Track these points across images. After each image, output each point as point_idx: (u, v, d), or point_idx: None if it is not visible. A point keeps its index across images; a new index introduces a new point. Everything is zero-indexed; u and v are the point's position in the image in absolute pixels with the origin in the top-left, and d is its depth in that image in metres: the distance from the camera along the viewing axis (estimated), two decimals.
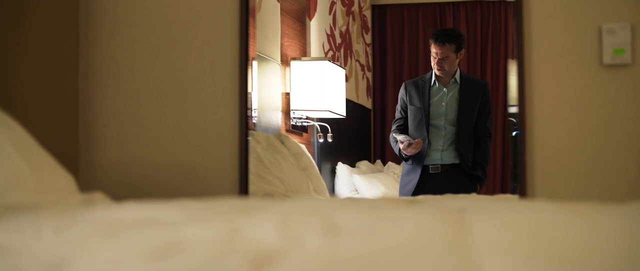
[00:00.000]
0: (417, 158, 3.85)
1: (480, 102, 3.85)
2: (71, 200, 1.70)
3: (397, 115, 3.94)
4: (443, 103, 3.84)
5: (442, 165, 3.84)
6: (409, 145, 3.82)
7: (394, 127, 3.95)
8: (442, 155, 3.84)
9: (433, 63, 3.85)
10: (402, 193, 3.94)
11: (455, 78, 3.84)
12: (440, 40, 3.85)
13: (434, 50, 3.85)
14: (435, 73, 3.84)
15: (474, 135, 3.85)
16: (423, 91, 3.87)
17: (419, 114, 3.84)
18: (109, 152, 2.69)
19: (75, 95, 2.69)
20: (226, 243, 1.06)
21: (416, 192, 3.81)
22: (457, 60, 3.86)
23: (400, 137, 3.85)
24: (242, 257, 1.01)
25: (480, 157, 3.86)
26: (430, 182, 3.83)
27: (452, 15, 4.65)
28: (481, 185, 3.88)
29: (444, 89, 3.84)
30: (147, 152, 2.67)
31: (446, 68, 3.82)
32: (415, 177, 3.85)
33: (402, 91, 3.94)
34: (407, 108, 3.89)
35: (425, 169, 3.84)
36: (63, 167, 1.83)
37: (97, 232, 1.16)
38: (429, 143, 3.84)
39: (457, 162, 3.83)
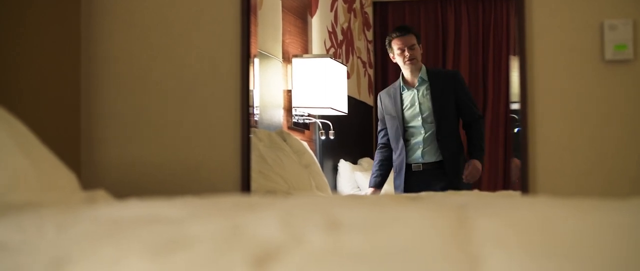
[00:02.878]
0: (400, 160, 3.88)
1: (454, 91, 3.85)
2: (74, 198, 1.70)
3: (379, 126, 4.00)
4: (415, 104, 3.86)
5: (423, 164, 3.86)
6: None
7: (378, 142, 3.99)
8: (423, 153, 3.86)
9: (401, 58, 3.85)
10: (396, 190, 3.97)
11: (421, 77, 3.85)
12: (403, 31, 3.87)
13: (399, 43, 3.86)
14: (402, 76, 3.86)
15: (464, 123, 3.86)
16: (395, 98, 3.89)
17: (394, 122, 3.88)
18: (111, 150, 2.69)
19: (77, 94, 2.69)
20: (228, 239, 1.06)
21: (405, 189, 3.84)
22: (421, 52, 3.89)
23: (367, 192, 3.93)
24: (244, 253, 1.01)
25: (476, 139, 3.86)
26: (414, 180, 3.85)
27: (454, 11, 4.65)
28: (481, 160, 3.87)
29: (414, 90, 3.85)
30: (149, 150, 2.67)
31: (417, 56, 3.83)
32: (401, 176, 3.89)
33: (378, 103, 4.00)
34: (384, 118, 3.94)
35: (408, 168, 3.88)
36: (65, 165, 1.83)
37: (100, 230, 1.16)
38: (409, 144, 3.86)
39: (440, 159, 3.85)
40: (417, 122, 3.85)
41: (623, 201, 1.32)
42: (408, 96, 3.87)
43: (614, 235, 1.07)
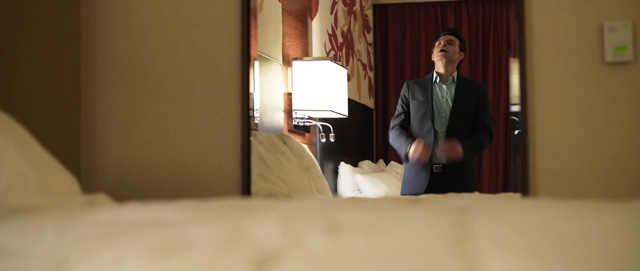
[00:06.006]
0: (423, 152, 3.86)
1: (476, 101, 3.87)
2: (74, 201, 1.70)
3: (399, 109, 3.95)
4: (444, 99, 3.86)
5: (443, 165, 3.85)
6: (418, 152, 3.83)
7: (394, 124, 3.95)
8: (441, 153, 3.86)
9: (436, 51, 3.87)
10: (406, 191, 3.93)
11: (453, 77, 3.87)
12: (448, 32, 3.94)
13: (440, 39, 3.90)
14: (435, 72, 3.87)
15: (472, 130, 3.87)
16: (426, 87, 3.89)
17: (422, 107, 3.86)
18: (111, 153, 2.69)
19: (77, 97, 2.69)
20: (228, 243, 1.06)
21: (427, 191, 3.81)
22: (458, 57, 3.90)
23: (413, 146, 3.84)
24: (244, 257, 1.01)
25: (476, 139, 3.86)
26: (433, 180, 3.83)
27: (454, 14, 4.65)
28: (467, 153, 3.84)
29: (444, 86, 3.86)
30: (149, 153, 2.67)
31: (449, 50, 3.85)
32: (424, 176, 3.85)
33: (404, 88, 3.96)
34: (409, 104, 3.90)
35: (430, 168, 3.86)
36: (65, 168, 1.83)
37: (100, 233, 1.16)
38: (436, 139, 3.86)
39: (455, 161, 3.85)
40: (443, 117, 3.86)
41: (623, 203, 1.32)
42: (439, 90, 3.88)
43: (615, 237, 1.07)
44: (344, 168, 4.30)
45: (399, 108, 3.97)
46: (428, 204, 1.54)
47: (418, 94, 3.89)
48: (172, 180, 2.65)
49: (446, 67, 3.87)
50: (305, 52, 4.19)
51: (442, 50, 3.87)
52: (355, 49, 4.73)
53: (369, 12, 4.86)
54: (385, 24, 4.81)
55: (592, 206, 1.28)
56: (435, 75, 3.89)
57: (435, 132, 3.86)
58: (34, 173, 1.62)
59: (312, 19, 4.26)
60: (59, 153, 1.89)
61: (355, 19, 4.76)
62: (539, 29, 2.53)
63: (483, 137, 3.90)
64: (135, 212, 1.32)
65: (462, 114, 3.85)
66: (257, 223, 1.13)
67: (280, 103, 3.82)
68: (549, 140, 2.50)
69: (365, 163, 4.49)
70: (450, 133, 3.83)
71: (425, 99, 3.88)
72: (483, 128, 3.88)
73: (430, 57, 3.97)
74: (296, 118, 3.96)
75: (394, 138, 3.93)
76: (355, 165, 4.41)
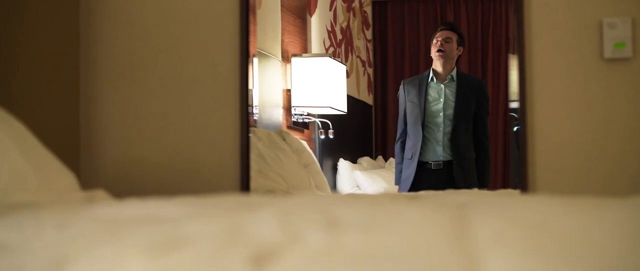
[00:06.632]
0: (414, 150, 3.87)
1: (477, 99, 3.86)
2: (73, 198, 1.70)
3: (400, 112, 3.95)
4: (441, 99, 3.86)
5: (444, 162, 3.85)
6: None
7: (398, 133, 3.97)
8: (441, 150, 3.85)
9: (434, 49, 3.87)
10: (401, 189, 3.94)
11: (451, 75, 3.86)
12: (445, 27, 3.93)
13: (437, 35, 3.89)
14: (432, 70, 3.86)
15: (476, 135, 3.87)
16: (420, 87, 3.89)
17: (416, 109, 3.86)
18: (111, 150, 2.69)
19: (77, 94, 2.69)
20: (227, 238, 1.06)
21: (414, 188, 3.82)
22: (457, 53, 3.89)
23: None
24: (243, 253, 1.01)
25: (484, 168, 3.89)
26: (431, 177, 3.83)
27: (453, 10, 4.65)
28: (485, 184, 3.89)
29: (442, 85, 3.85)
30: (149, 150, 2.67)
31: (446, 49, 3.84)
32: (412, 173, 3.86)
33: (400, 89, 3.97)
34: (406, 105, 3.91)
35: (423, 165, 3.85)
36: (65, 165, 1.83)
37: (99, 229, 1.16)
38: (427, 139, 3.85)
39: (451, 159, 3.85)
40: (439, 117, 3.85)
41: (622, 199, 1.32)
42: (435, 89, 3.87)
43: (613, 233, 1.07)
44: (343, 164, 4.30)
45: (399, 109, 3.98)
46: (427, 200, 1.55)
47: (412, 95, 3.89)
48: (171, 176, 2.65)
49: (444, 66, 3.86)
50: (304, 49, 4.18)
51: (439, 50, 3.86)
52: (354, 46, 4.73)
53: (368, 9, 4.86)
54: (385, 21, 4.80)
55: (591, 202, 1.29)
56: (431, 74, 3.88)
57: (432, 131, 3.86)
58: (34, 170, 1.62)
59: (311, 16, 4.26)
60: (58, 151, 1.89)
61: (354, 15, 4.76)
62: (538, 25, 2.53)
63: (488, 155, 3.92)
64: (134, 208, 1.33)
65: (463, 112, 3.85)
66: (256, 220, 1.13)
67: (279, 100, 3.82)
68: (548, 137, 2.50)
69: (364, 160, 4.49)
70: (451, 132, 3.83)
71: (418, 101, 3.87)
72: (483, 134, 3.89)
73: (430, 53, 3.97)
74: (295, 114, 3.96)
75: (396, 157, 3.96)
76: (354, 161, 4.40)
